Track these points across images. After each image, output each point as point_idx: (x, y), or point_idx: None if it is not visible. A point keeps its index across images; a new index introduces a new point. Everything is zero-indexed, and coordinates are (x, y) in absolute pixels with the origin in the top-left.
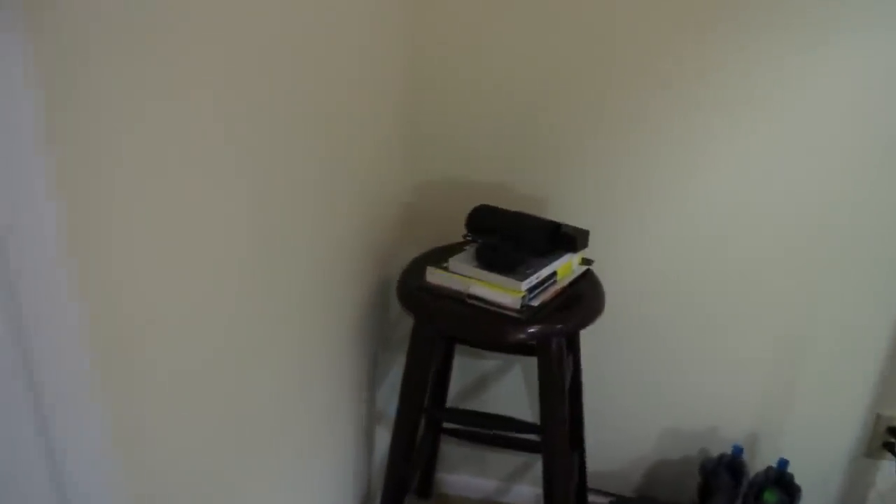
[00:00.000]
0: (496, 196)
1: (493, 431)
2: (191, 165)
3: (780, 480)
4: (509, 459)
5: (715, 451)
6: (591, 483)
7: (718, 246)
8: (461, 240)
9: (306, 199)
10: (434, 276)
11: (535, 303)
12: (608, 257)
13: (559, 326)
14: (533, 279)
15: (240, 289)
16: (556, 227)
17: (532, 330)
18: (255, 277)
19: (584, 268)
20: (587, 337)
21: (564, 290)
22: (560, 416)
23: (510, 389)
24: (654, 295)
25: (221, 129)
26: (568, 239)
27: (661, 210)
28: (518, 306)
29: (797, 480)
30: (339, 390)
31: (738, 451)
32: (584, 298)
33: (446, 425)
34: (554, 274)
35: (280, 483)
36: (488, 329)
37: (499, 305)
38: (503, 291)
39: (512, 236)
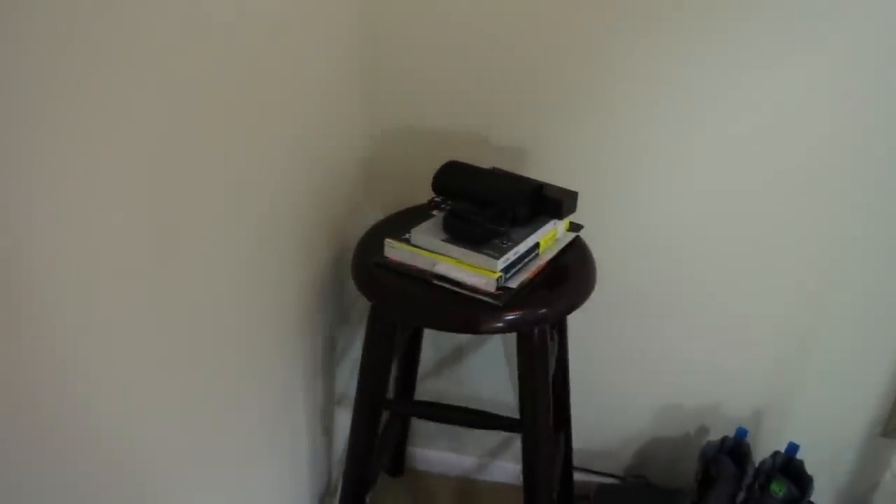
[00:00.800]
0: (469, 148)
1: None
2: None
3: (789, 468)
4: (489, 435)
5: (716, 430)
6: (577, 462)
7: (724, 209)
8: (428, 203)
9: (236, 160)
10: (393, 250)
11: (514, 283)
12: (598, 220)
13: (543, 311)
14: (510, 255)
15: (164, 267)
16: (538, 188)
17: (510, 318)
18: (181, 254)
19: (573, 235)
20: None
21: (549, 263)
22: (543, 407)
23: (490, 361)
24: (650, 263)
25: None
26: (552, 203)
27: (659, 166)
28: (493, 289)
29: (807, 467)
30: (290, 377)
31: (742, 433)
32: (571, 273)
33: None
34: (536, 246)
35: (224, 482)
36: (457, 317)
37: (470, 288)
38: (475, 271)
39: (486, 201)
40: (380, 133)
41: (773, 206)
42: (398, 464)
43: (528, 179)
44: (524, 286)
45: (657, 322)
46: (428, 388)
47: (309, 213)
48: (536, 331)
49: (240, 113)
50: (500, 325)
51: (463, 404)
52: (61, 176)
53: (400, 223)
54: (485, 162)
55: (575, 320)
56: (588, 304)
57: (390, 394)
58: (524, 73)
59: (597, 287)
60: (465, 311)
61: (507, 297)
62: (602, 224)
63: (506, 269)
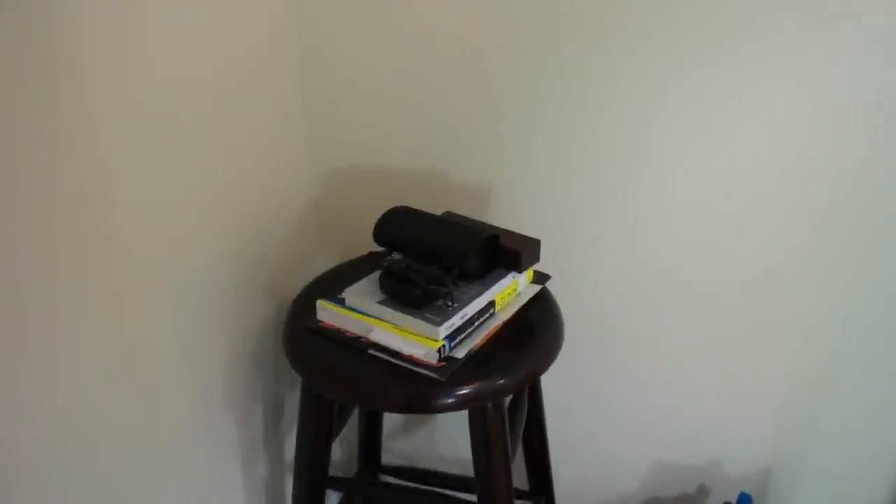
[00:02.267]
0: (428, 187)
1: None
2: None
3: None
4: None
5: (717, 491)
6: None
7: (719, 249)
8: (368, 257)
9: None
10: (326, 312)
11: (461, 352)
12: (577, 262)
13: (500, 383)
14: (456, 319)
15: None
16: (491, 238)
17: (462, 392)
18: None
19: (537, 287)
20: None
21: (509, 322)
22: (502, 493)
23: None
24: (636, 309)
25: None
26: (510, 254)
27: (640, 206)
28: (434, 360)
29: None
30: (220, 453)
31: (745, 500)
32: (535, 332)
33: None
34: (491, 304)
35: None
36: (394, 396)
37: (408, 359)
38: (414, 339)
39: (431, 254)
40: (330, 173)
41: (771, 246)
42: None
43: (483, 227)
44: (473, 355)
45: (647, 373)
46: (398, 448)
47: (246, 264)
48: (490, 406)
49: (170, 158)
50: (449, 401)
51: (434, 466)
52: None
53: (342, 277)
54: (446, 203)
55: (552, 372)
56: (568, 355)
57: (355, 458)
58: (487, 105)
59: (577, 337)
60: (404, 389)
61: (451, 370)
62: (580, 269)
63: (451, 336)
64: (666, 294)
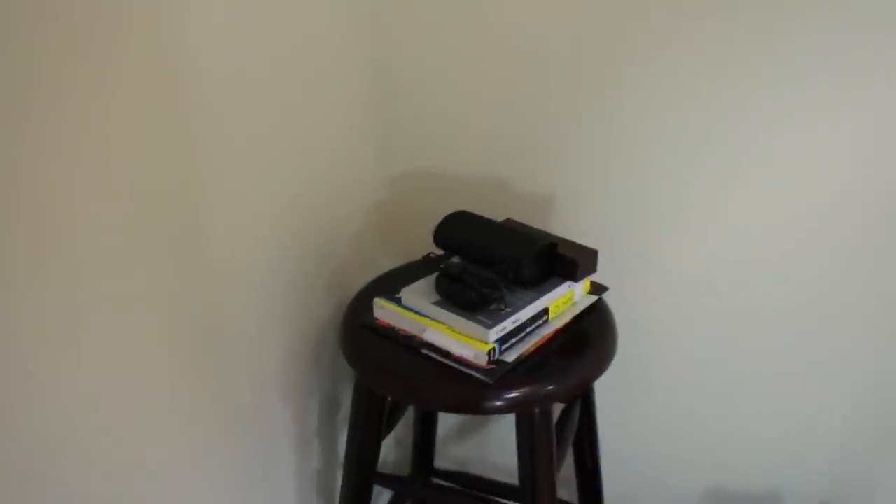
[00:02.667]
0: (491, 194)
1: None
2: None
3: None
4: None
5: None
6: None
7: (787, 269)
8: (423, 259)
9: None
10: (382, 310)
11: (511, 356)
12: (638, 275)
13: (550, 388)
14: (508, 323)
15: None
16: (548, 246)
17: (510, 396)
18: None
19: (594, 298)
20: (608, 369)
21: (562, 331)
22: (544, 489)
23: None
24: (701, 327)
25: None
26: (566, 263)
27: (710, 217)
28: (484, 362)
29: None
30: (273, 442)
31: None
32: (589, 342)
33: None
34: (544, 312)
35: None
36: (444, 395)
37: (460, 361)
38: (465, 341)
39: (488, 259)
40: (396, 177)
41: (843, 268)
42: None
43: (542, 235)
44: (523, 360)
45: (707, 394)
46: (451, 452)
47: (310, 263)
48: (538, 412)
49: (250, 162)
50: (496, 404)
51: (487, 474)
52: None
53: (401, 278)
54: (508, 210)
55: (609, 386)
56: (626, 370)
57: (409, 459)
58: (553, 114)
59: (636, 352)
60: (453, 389)
61: (500, 373)
62: (642, 282)
63: (501, 340)
64: (729, 314)
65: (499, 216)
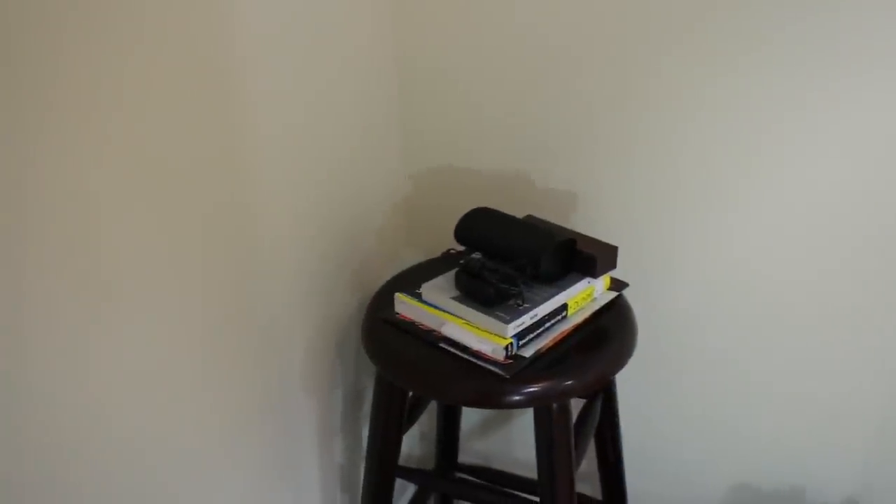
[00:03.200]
0: (513, 190)
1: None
2: None
3: None
4: None
5: None
6: None
7: (810, 267)
8: (443, 255)
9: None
10: (403, 305)
11: (529, 351)
12: (662, 273)
13: (568, 384)
14: (526, 318)
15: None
16: (567, 242)
17: (525, 391)
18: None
19: (613, 294)
20: (631, 365)
21: (581, 326)
22: (563, 493)
23: None
24: (723, 323)
25: None
26: (585, 259)
27: (734, 216)
28: (501, 357)
29: None
30: (298, 435)
31: None
32: (608, 337)
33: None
34: (563, 308)
35: None
36: (461, 389)
37: (476, 354)
38: (483, 335)
39: (507, 254)
40: (420, 174)
41: (866, 267)
42: None
43: (561, 231)
44: (541, 355)
45: (730, 390)
46: (475, 449)
47: (334, 257)
48: (556, 406)
49: (270, 155)
50: (514, 398)
51: (510, 469)
52: None
53: (427, 273)
54: (531, 207)
55: (632, 381)
56: (649, 365)
57: (433, 454)
58: (577, 112)
59: (659, 349)
60: (471, 383)
61: (517, 368)
62: (665, 280)
63: (519, 335)
64: (752, 311)
65: (520, 213)
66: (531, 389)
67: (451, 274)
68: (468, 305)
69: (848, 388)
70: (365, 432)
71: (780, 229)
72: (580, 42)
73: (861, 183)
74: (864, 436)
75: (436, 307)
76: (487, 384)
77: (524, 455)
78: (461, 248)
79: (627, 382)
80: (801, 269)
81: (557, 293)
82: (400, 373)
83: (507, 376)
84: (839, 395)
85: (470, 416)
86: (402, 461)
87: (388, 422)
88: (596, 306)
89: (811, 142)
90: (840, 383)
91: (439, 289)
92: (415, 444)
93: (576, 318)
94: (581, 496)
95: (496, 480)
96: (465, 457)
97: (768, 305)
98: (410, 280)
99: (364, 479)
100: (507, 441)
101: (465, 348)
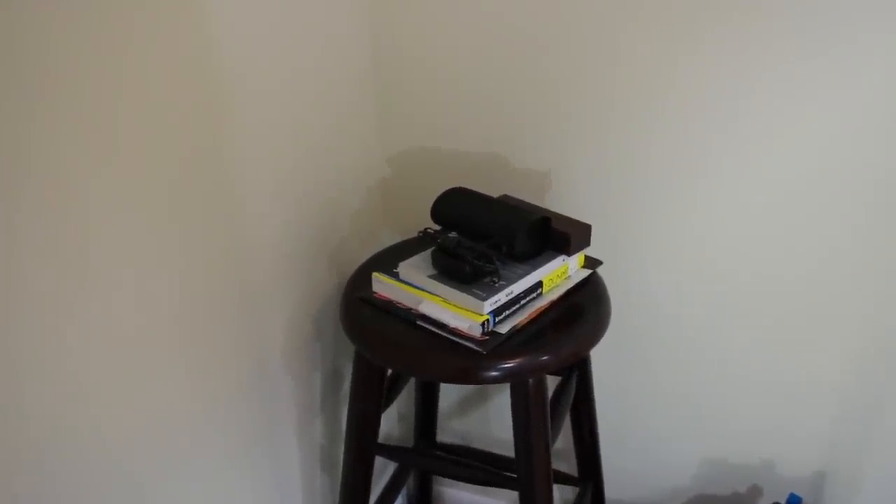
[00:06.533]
0: (489, 170)
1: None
2: None
3: None
4: None
5: (770, 492)
6: None
7: (779, 244)
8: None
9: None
10: (381, 284)
11: (504, 329)
12: (636, 251)
13: (544, 359)
14: (501, 296)
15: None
16: (541, 220)
17: (501, 366)
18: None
19: (588, 272)
20: (605, 342)
21: (556, 303)
22: (539, 465)
23: None
24: (696, 300)
25: None
26: (560, 237)
27: (706, 194)
28: (478, 334)
29: None
30: (276, 414)
31: (794, 502)
32: (582, 314)
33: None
34: (538, 285)
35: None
36: (439, 365)
37: (453, 331)
38: (460, 313)
39: (483, 233)
40: (397, 155)
41: (834, 243)
42: (424, 502)
43: (536, 209)
44: (517, 331)
45: (702, 366)
46: (453, 428)
47: (312, 237)
48: (532, 382)
49: (247, 137)
50: (491, 374)
51: (488, 447)
52: None
53: (405, 253)
54: (507, 187)
55: (606, 358)
56: (623, 343)
57: (412, 432)
58: (551, 92)
59: (633, 325)
60: (448, 360)
61: (493, 344)
62: (639, 258)
63: (495, 312)
64: (724, 288)
65: (496, 193)
66: (507, 365)
67: (428, 253)
68: (445, 283)
69: (815, 366)
70: (344, 412)
71: (753, 207)
72: (553, 25)
73: (836, 161)
74: (831, 411)
75: (413, 286)
76: (465, 360)
77: (502, 434)
78: (437, 227)
79: (602, 360)
80: (773, 247)
81: (532, 271)
82: (378, 351)
83: (484, 352)
84: (807, 372)
85: (448, 396)
86: (381, 442)
87: (367, 400)
88: (570, 284)
89: (784, 121)
90: (808, 360)
91: (416, 268)
92: (394, 425)
93: (551, 295)
94: (558, 473)
95: (475, 459)
96: (443, 436)
97: (740, 283)
98: (388, 260)
99: (343, 458)
100: (485, 421)
101: (442, 326)
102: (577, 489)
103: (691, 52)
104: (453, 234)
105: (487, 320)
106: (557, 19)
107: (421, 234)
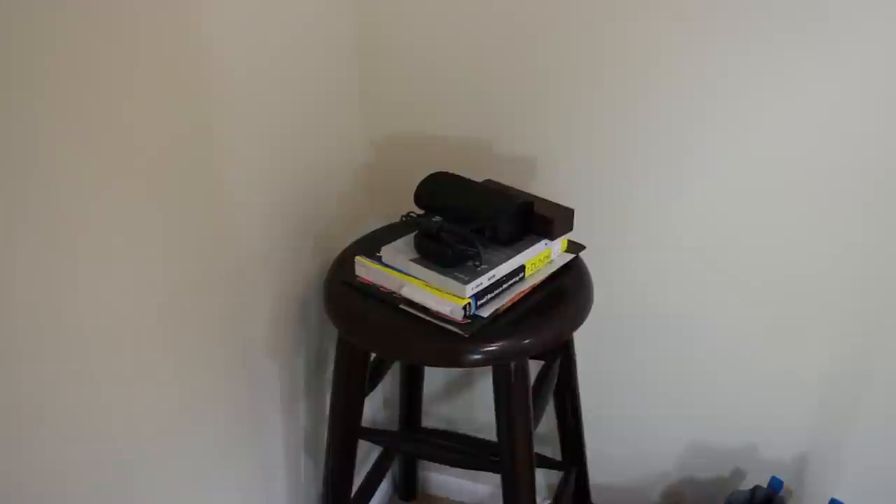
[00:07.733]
0: (473, 155)
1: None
2: None
3: None
4: None
5: (753, 475)
6: (599, 498)
7: (762, 231)
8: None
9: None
10: (363, 268)
11: (486, 312)
12: (620, 236)
13: (526, 342)
14: (483, 279)
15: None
16: (525, 204)
17: (484, 350)
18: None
19: (570, 256)
20: (589, 328)
21: (538, 287)
22: (521, 448)
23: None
24: (680, 286)
25: None
26: (542, 221)
27: (687, 181)
28: (460, 317)
29: None
30: (260, 398)
31: (776, 485)
32: (564, 298)
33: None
34: (521, 269)
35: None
36: (421, 348)
37: (435, 315)
38: (442, 296)
39: (466, 217)
40: (382, 138)
41: (816, 230)
42: (409, 487)
43: (519, 194)
44: (499, 315)
45: (685, 351)
46: (438, 413)
47: (296, 221)
48: (513, 365)
49: (230, 120)
50: (473, 357)
51: (473, 432)
52: None
53: (389, 237)
54: (491, 171)
55: (590, 344)
56: (607, 328)
57: (397, 417)
58: (535, 77)
59: (616, 311)
60: (430, 343)
61: (475, 327)
62: (623, 243)
63: (477, 296)
64: (707, 273)
65: (479, 177)
66: (490, 348)
67: (411, 237)
68: (427, 267)
69: (798, 352)
70: (328, 396)
71: (738, 195)
72: (537, 9)
73: (823, 151)
74: (814, 395)
75: (396, 269)
76: (447, 344)
77: (486, 419)
78: (421, 211)
79: (586, 346)
80: (756, 233)
81: (515, 255)
82: (361, 335)
83: (466, 335)
84: (790, 357)
85: (433, 381)
86: (366, 426)
87: (350, 383)
88: (553, 268)
89: (767, 105)
90: (791, 347)
91: (399, 251)
92: (378, 410)
93: (533, 279)
94: (542, 457)
95: (459, 443)
96: (428, 421)
97: (723, 267)
98: (371, 244)
99: (328, 442)
100: (469, 405)
101: (425, 309)
102: (561, 473)
103: (676, 38)
104: (436, 218)
105: (469, 304)
106: (542, 4)
107: (404, 218)
